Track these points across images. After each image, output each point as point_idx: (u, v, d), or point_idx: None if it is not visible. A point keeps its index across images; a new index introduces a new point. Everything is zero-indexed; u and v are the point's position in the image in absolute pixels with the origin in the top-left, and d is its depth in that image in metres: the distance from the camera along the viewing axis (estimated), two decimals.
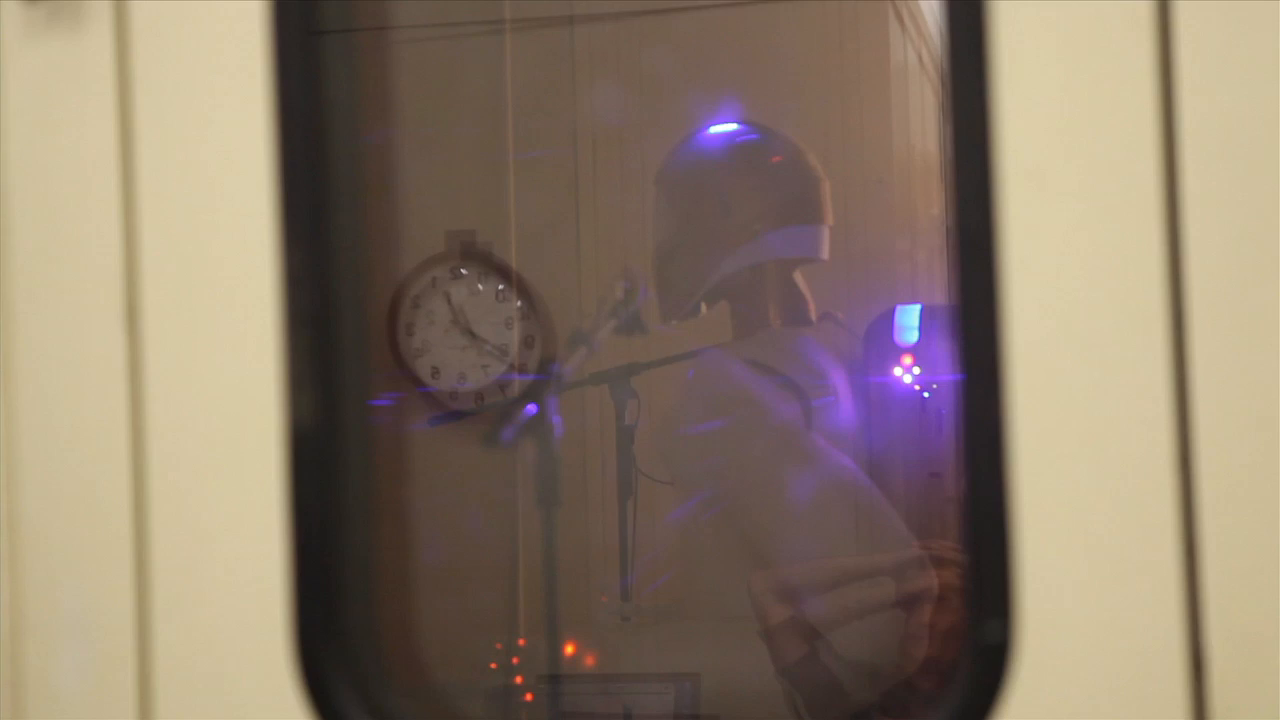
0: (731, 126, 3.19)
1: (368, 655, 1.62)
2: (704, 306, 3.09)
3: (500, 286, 3.97)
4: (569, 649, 3.26)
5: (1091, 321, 1.43)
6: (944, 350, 3.09)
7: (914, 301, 3.24)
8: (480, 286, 3.98)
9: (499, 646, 3.36)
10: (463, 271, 3.98)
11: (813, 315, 3.10)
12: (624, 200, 3.81)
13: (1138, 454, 1.41)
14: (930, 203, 3.95)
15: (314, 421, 1.57)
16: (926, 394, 3.16)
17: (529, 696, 3.25)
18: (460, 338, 3.96)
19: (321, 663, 1.56)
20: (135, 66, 1.58)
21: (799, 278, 3.09)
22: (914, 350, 3.13)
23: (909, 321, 3.16)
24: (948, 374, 3.06)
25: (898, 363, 3.13)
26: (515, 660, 3.35)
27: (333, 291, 1.63)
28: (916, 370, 3.13)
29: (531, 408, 2.57)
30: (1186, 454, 1.41)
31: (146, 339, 1.58)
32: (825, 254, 3.09)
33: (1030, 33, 1.44)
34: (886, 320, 3.17)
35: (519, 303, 3.93)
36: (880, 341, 3.16)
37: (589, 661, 3.36)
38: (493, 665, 3.32)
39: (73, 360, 1.59)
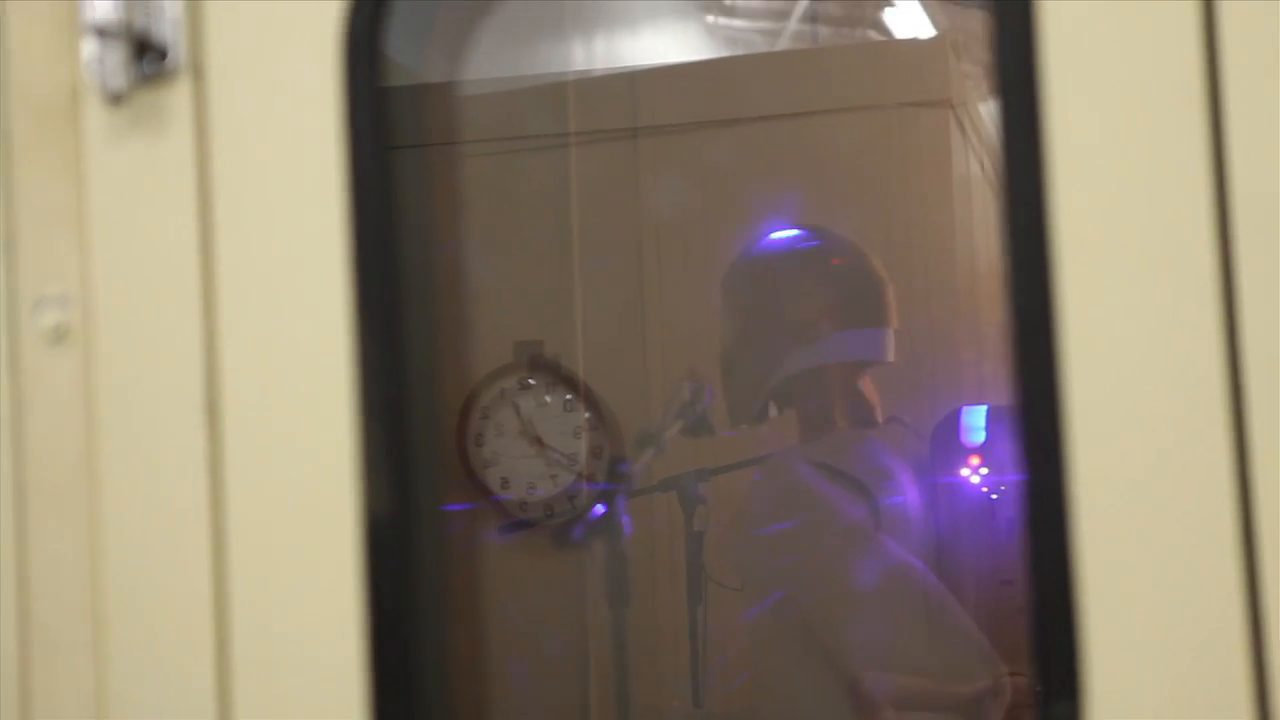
0: (795, 231, 3.23)
1: None
2: (773, 408, 3.11)
3: (568, 396, 4.00)
4: None
5: (1151, 400, 1.45)
6: (1011, 450, 3.10)
7: (980, 402, 3.26)
8: (548, 398, 4.02)
9: None
10: (530, 382, 4.02)
11: (879, 418, 3.11)
12: (690, 304, 3.84)
13: (1200, 531, 1.43)
14: (994, 307, 3.97)
15: (389, 511, 1.60)
16: (994, 495, 3.16)
17: None
18: (529, 448, 4.00)
19: None
20: (215, 170, 1.63)
21: (866, 381, 3.10)
22: (981, 450, 3.14)
23: (976, 422, 3.17)
24: (1015, 475, 3.07)
25: (965, 463, 3.14)
26: None
27: (407, 387, 1.67)
28: (984, 471, 3.13)
29: (601, 507, 2.60)
30: (1250, 532, 1.42)
31: (226, 432, 1.62)
32: (890, 356, 3.11)
33: (1082, 114, 1.47)
34: (953, 421, 3.18)
35: (586, 414, 3.96)
36: (947, 442, 3.17)
37: None
38: None
39: (155, 453, 1.63)
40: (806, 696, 2.98)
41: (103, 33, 1.61)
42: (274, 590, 1.61)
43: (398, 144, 1.68)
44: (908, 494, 3.05)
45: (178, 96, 1.63)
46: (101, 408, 1.64)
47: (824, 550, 2.98)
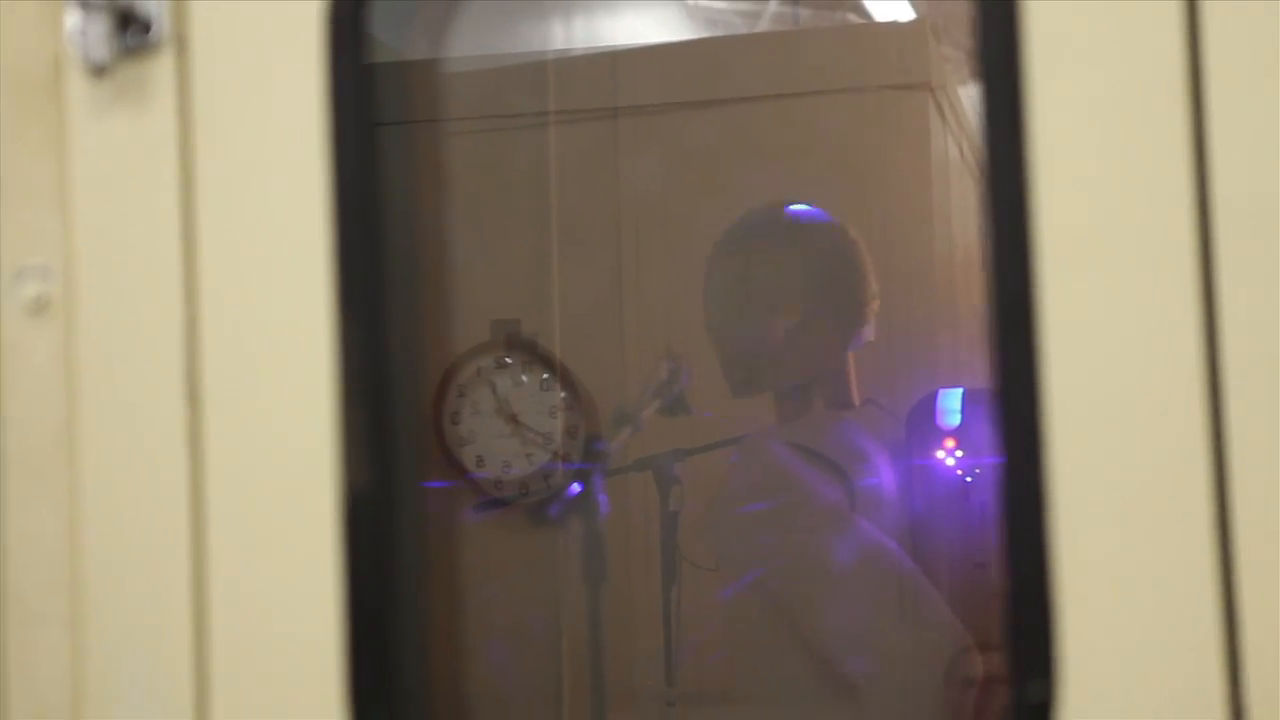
0: (777, 209, 3.22)
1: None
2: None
3: (545, 375, 4.00)
4: None
5: (1129, 385, 1.45)
6: (986, 433, 3.10)
7: (956, 386, 3.26)
8: (524, 377, 4.02)
9: None
10: (508, 361, 4.02)
11: (856, 400, 3.11)
12: (668, 284, 3.85)
13: (1175, 516, 1.44)
14: (971, 291, 3.98)
15: (368, 487, 1.60)
16: (969, 478, 3.17)
17: None
18: (505, 426, 4.00)
19: None
20: (198, 144, 1.63)
21: (847, 362, 3.09)
22: (956, 433, 3.15)
23: (951, 405, 3.17)
24: (990, 457, 3.08)
25: (940, 446, 3.15)
26: None
27: (386, 364, 1.67)
28: (959, 454, 3.14)
29: (576, 486, 2.60)
30: (1225, 518, 1.43)
31: (207, 406, 1.62)
32: (871, 334, 3.10)
33: (1064, 99, 1.47)
34: (929, 404, 3.19)
35: (563, 393, 3.96)
36: (923, 425, 3.17)
37: None
38: None
39: (135, 427, 1.63)
40: (780, 676, 2.99)
41: (86, 4, 1.61)
42: (253, 565, 1.61)
43: (381, 120, 1.68)
44: (883, 476, 3.05)
45: (161, 69, 1.63)
46: (82, 380, 1.64)
47: (799, 532, 2.98)
